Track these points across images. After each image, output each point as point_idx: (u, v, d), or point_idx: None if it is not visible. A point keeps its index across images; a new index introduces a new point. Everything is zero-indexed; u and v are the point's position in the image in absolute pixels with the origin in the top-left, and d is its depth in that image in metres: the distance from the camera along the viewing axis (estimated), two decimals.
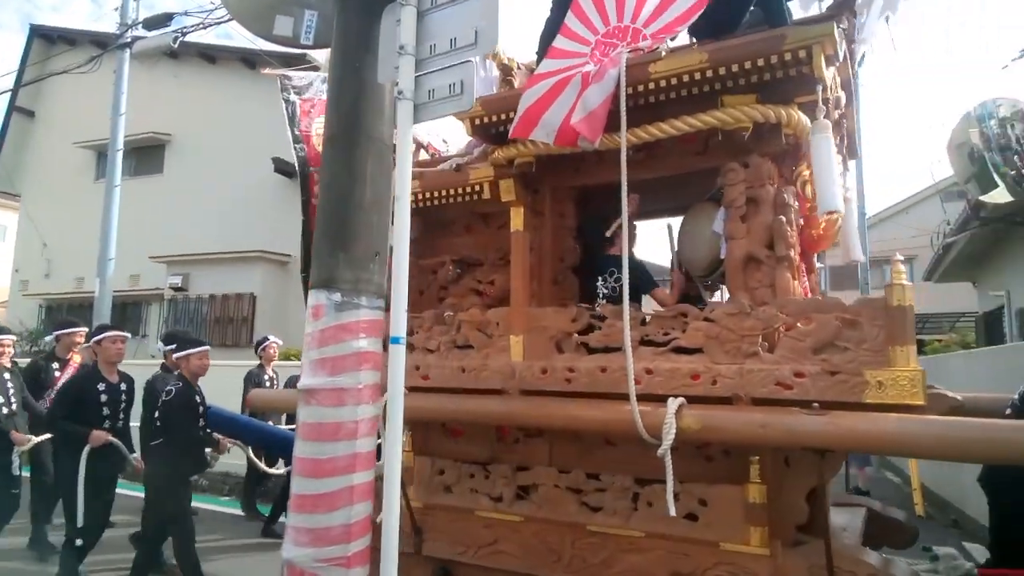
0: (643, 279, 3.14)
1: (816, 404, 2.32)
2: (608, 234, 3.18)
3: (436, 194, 3.45)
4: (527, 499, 3.23)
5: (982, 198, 5.87)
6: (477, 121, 3.20)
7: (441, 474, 3.48)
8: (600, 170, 3.20)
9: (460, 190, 3.37)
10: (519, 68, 3.80)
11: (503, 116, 3.13)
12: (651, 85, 2.76)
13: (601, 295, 3.21)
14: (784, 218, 2.72)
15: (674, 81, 2.74)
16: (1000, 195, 5.47)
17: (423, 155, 4.40)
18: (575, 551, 2.99)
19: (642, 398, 2.70)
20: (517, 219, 3.24)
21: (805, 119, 2.74)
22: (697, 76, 2.70)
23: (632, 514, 2.94)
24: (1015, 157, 5.59)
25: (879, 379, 2.33)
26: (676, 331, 2.77)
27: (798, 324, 2.51)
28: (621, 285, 3.04)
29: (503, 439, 3.42)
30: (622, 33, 2.92)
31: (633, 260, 3.11)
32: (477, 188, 3.31)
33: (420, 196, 3.49)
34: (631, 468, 2.98)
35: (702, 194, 3.30)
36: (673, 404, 2.49)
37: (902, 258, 2.38)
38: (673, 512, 2.44)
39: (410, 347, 3.46)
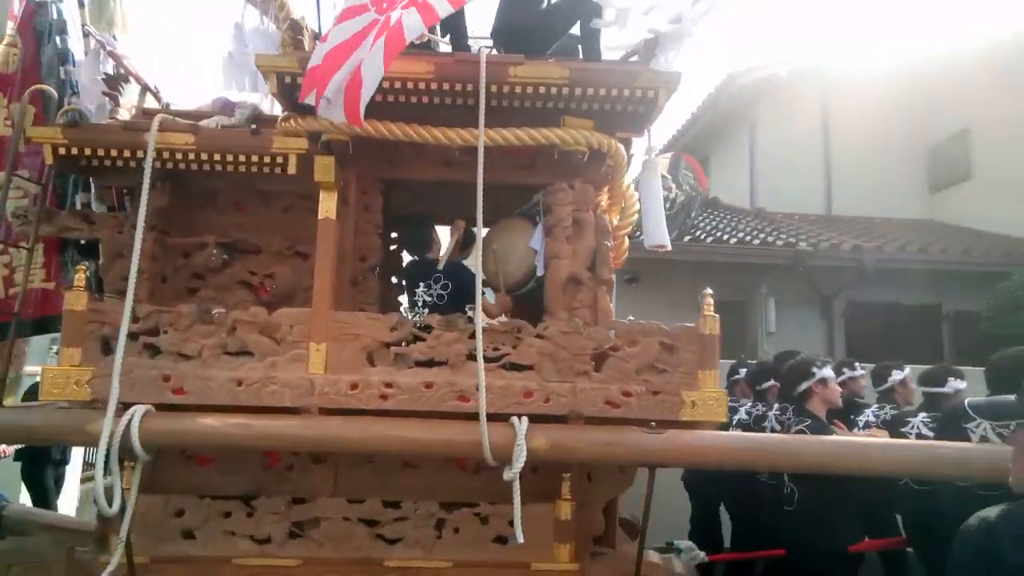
0: (472, 288, 3.16)
1: (654, 423, 2.65)
2: (454, 241, 3.10)
3: (212, 157, 2.90)
4: (305, 537, 2.90)
5: None
6: (287, 79, 2.82)
7: (179, 516, 2.88)
8: (418, 165, 3.10)
9: (252, 158, 2.89)
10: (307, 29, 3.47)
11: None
12: (505, 88, 2.84)
13: (422, 303, 3.10)
14: (609, 243, 3.06)
15: (529, 89, 2.85)
16: None
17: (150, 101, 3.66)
18: None
19: (473, 416, 2.71)
20: (328, 205, 2.89)
21: (624, 152, 3.14)
22: (553, 90, 2.86)
23: (436, 543, 2.89)
24: None
25: (692, 399, 2.76)
26: (507, 347, 2.86)
27: (625, 346, 2.85)
28: (449, 293, 3.03)
29: (271, 467, 3.01)
30: None
31: (466, 268, 3.10)
32: (279, 160, 2.89)
33: (187, 156, 2.89)
34: (435, 493, 2.93)
35: (506, 208, 3.48)
36: (521, 425, 2.56)
37: (710, 291, 2.90)
38: (520, 539, 2.49)
39: (152, 349, 2.84)
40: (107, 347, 2.81)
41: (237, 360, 2.81)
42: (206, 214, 3.13)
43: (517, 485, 2.51)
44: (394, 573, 2.81)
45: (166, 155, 2.85)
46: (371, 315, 2.87)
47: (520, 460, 2.49)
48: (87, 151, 2.85)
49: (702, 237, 8.85)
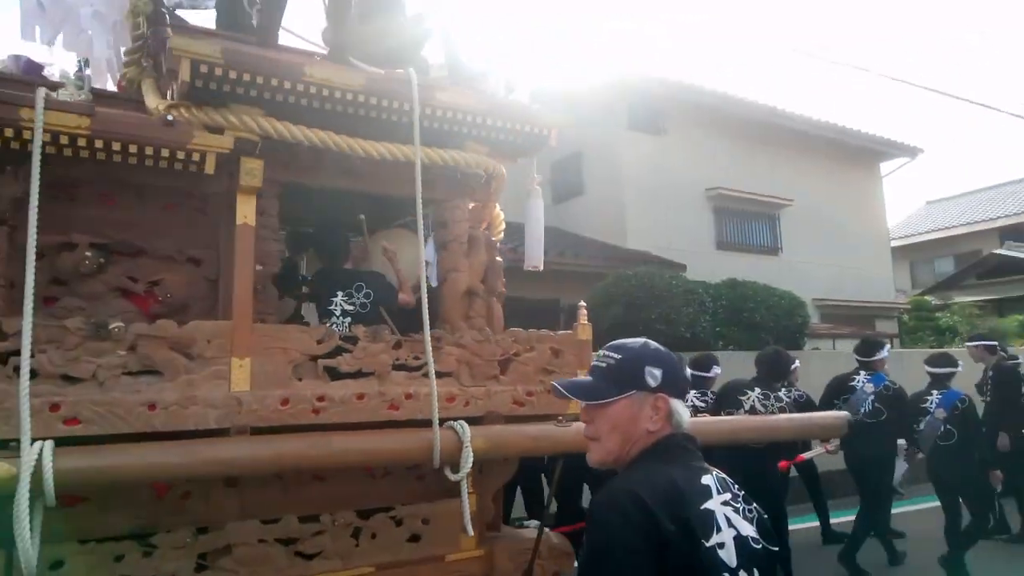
0: (391, 296, 3.28)
1: (561, 418, 3.25)
2: (388, 252, 3.17)
3: (109, 146, 2.58)
4: (214, 569, 2.80)
5: None
6: (203, 67, 2.70)
7: (57, 567, 2.54)
8: (319, 172, 3.19)
9: (161, 152, 2.65)
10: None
11: (243, 75, 2.78)
12: (427, 110, 3.13)
13: (340, 311, 3.14)
14: (499, 258, 3.55)
15: (449, 114, 3.20)
16: None
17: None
18: None
19: (404, 424, 2.99)
20: (248, 209, 2.82)
21: (505, 177, 3.67)
22: (469, 118, 3.25)
23: (354, 552, 3.06)
24: None
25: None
26: (425, 355, 3.15)
27: (524, 351, 3.39)
28: (372, 301, 3.23)
29: (161, 497, 2.81)
30: None
31: (384, 276, 3.25)
32: (194, 158, 2.71)
33: (75, 142, 2.53)
34: (349, 502, 3.10)
35: (391, 218, 3.72)
36: (465, 430, 2.92)
37: (584, 304, 3.60)
38: (471, 532, 2.85)
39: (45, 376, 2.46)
40: None
41: (139, 380, 2.64)
42: (65, 207, 2.77)
43: (464, 484, 2.91)
44: None
45: (46, 138, 2.52)
46: (298, 327, 2.93)
47: (468, 462, 2.89)
48: None
49: None
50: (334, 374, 2.96)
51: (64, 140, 2.53)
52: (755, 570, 1.36)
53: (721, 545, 1.33)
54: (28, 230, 2.38)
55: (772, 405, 4.72)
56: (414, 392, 3.05)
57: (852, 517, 5.80)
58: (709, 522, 1.35)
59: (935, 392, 5.45)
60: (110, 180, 2.86)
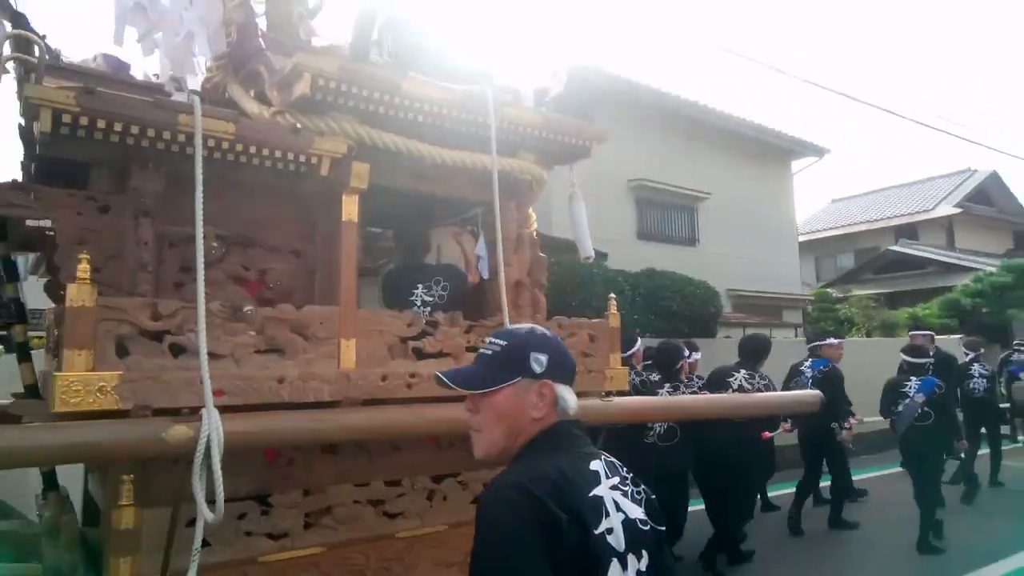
0: (465, 283, 3.75)
1: (604, 393, 3.85)
2: (480, 253, 3.64)
3: (248, 150, 2.97)
4: (319, 526, 3.25)
5: None
6: (322, 81, 3.11)
7: (191, 525, 2.93)
8: (394, 175, 3.61)
9: (288, 156, 3.06)
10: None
11: (353, 89, 3.22)
12: (502, 125, 3.64)
13: (420, 302, 3.60)
14: (542, 254, 4.12)
15: (511, 127, 3.72)
16: None
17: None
18: (380, 564, 3.35)
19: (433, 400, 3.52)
20: (352, 208, 3.27)
21: (545, 180, 4.22)
22: (527, 131, 3.79)
23: (428, 511, 3.56)
24: None
25: (610, 375, 4.08)
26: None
27: (567, 337, 3.96)
28: (448, 293, 3.73)
29: (271, 464, 3.23)
30: None
31: (459, 270, 3.73)
32: (313, 161, 3.13)
33: (221, 145, 2.91)
34: (424, 469, 3.60)
35: (438, 216, 4.20)
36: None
37: (614, 296, 4.21)
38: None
39: (176, 350, 2.86)
40: (122, 349, 2.77)
41: (268, 358, 3.07)
42: (189, 201, 3.14)
43: None
44: (402, 543, 3.44)
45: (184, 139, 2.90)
46: (392, 312, 3.41)
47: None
48: (100, 123, 2.71)
49: None
50: (419, 354, 3.47)
51: (211, 143, 2.92)
52: (643, 551, 1.40)
53: (610, 531, 1.36)
54: (195, 225, 2.77)
55: (757, 383, 5.53)
56: None
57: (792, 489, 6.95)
58: (598, 508, 1.37)
59: (914, 379, 6.40)
60: (219, 177, 3.25)
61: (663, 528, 1.51)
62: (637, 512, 1.45)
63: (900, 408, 6.27)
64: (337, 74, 3.15)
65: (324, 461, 3.33)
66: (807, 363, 6.96)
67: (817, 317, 21.34)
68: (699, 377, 5.88)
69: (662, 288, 11.80)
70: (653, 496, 1.54)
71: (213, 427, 2.62)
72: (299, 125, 3.11)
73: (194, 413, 2.72)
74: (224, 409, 2.86)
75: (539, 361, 1.54)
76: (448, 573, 3.52)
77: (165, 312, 2.82)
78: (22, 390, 3.28)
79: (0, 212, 2.78)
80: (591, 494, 1.39)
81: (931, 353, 6.77)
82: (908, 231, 27.34)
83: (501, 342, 1.61)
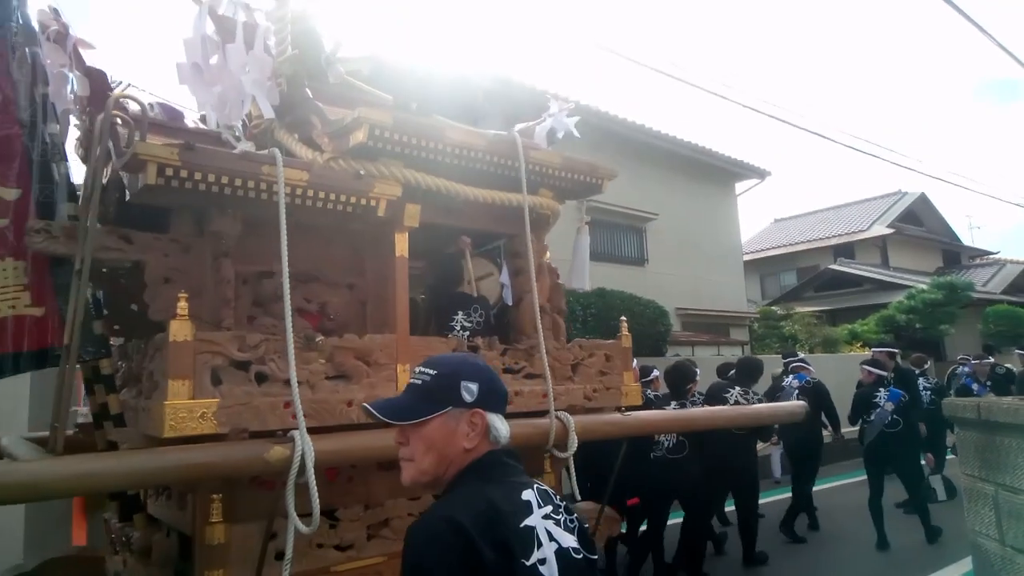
0: (495, 316, 4.15)
1: (622, 408, 4.29)
2: (504, 281, 4.02)
3: (317, 195, 3.34)
4: (379, 537, 3.59)
5: None
6: (378, 131, 3.51)
7: (274, 538, 3.24)
8: (429, 211, 4.02)
9: (351, 199, 3.44)
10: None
11: (403, 137, 3.62)
12: (528, 166, 4.09)
13: (460, 327, 3.98)
14: (561, 281, 4.56)
15: (536, 167, 4.17)
16: None
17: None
18: None
19: (512, 415, 3.91)
20: (403, 244, 3.66)
21: (560, 214, 4.67)
22: (548, 170, 4.25)
23: None
24: None
25: (626, 391, 4.53)
26: (524, 362, 4.10)
27: (587, 357, 4.40)
28: (484, 320, 4.13)
29: (333, 481, 3.55)
30: None
31: (487, 300, 4.13)
32: (372, 203, 3.51)
33: (295, 191, 3.27)
34: None
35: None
36: (571, 420, 3.89)
37: (625, 319, 4.68)
38: (579, 497, 3.82)
39: (263, 379, 3.19)
40: (215, 377, 3.09)
41: (337, 384, 3.42)
42: (258, 241, 3.48)
43: (571, 463, 3.90)
44: None
45: (262, 187, 3.25)
46: (440, 339, 3.80)
47: (574, 444, 3.88)
48: (196, 175, 3.05)
49: None
50: None
51: (287, 190, 3.29)
52: None
53: (543, 561, 1.37)
54: (281, 265, 3.12)
55: (752, 399, 6.08)
56: (519, 390, 4.01)
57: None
58: (530, 539, 1.38)
59: (882, 390, 7.07)
60: (264, 217, 3.60)
61: (595, 556, 1.52)
62: (570, 541, 1.45)
63: (872, 416, 6.91)
64: (391, 125, 3.56)
65: (380, 477, 3.68)
66: (789, 378, 7.59)
67: (762, 334, 22.27)
68: (700, 394, 6.40)
69: (612, 308, 12.08)
70: (585, 525, 1.55)
71: (307, 447, 2.97)
72: (362, 172, 3.49)
73: (278, 435, 3.07)
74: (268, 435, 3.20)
75: (470, 390, 1.53)
76: None
77: (251, 344, 3.16)
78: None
79: (99, 255, 3.08)
80: (522, 524, 1.39)
81: (892, 368, 7.53)
82: (845, 250, 28.75)
83: (431, 371, 1.57)
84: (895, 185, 34.69)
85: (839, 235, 29.73)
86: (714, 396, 6.22)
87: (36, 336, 3.09)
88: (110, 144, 3.10)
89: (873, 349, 9.47)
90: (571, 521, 1.51)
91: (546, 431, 3.82)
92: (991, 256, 30.91)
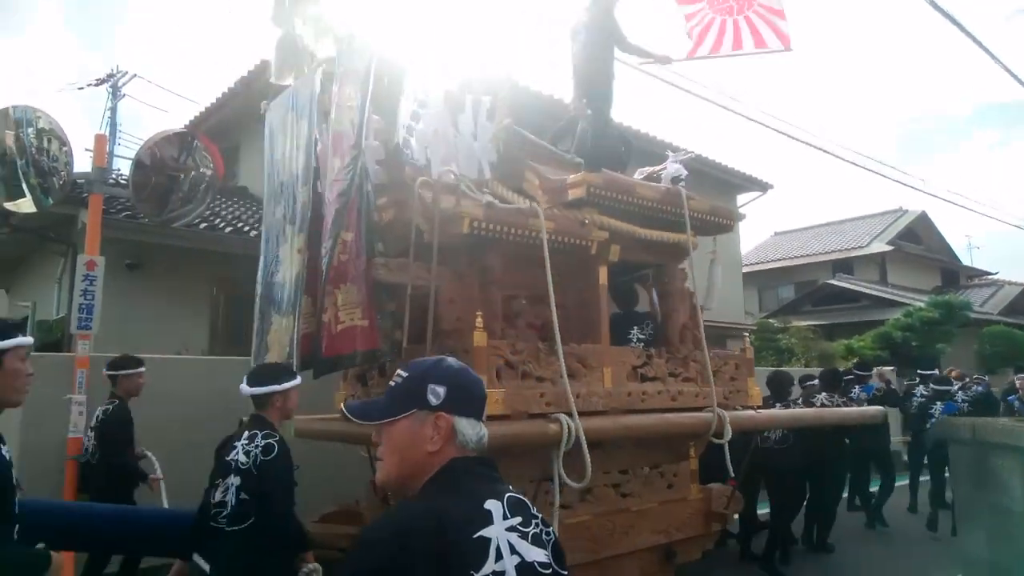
0: (658, 333, 5.47)
1: (753, 407, 5.62)
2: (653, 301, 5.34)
3: (555, 237, 4.61)
4: (586, 501, 4.86)
5: (8, 205, 6.35)
6: (593, 189, 4.82)
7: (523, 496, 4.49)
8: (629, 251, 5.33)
9: (577, 240, 4.73)
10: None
11: (608, 192, 4.93)
12: (678, 210, 5.41)
13: (636, 339, 5.28)
14: (697, 303, 5.89)
15: (690, 212, 5.49)
16: (27, 205, 6.14)
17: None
18: (616, 530, 4.97)
19: (674, 410, 5.22)
20: (604, 275, 4.97)
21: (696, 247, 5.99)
22: (696, 214, 5.57)
23: (644, 492, 5.22)
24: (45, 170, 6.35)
25: (750, 393, 5.86)
26: (681, 368, 5.40)
27: (721, 366, 5.72)
28: (652, 333, 5.44)
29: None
30: None
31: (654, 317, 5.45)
32: (587, 243, 4.80)
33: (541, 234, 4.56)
34: (638, 462, 5.26)
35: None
36: (726, 414, 5.19)
37: (747, 334, 5.99)
38: (733, 473, 5.15)
39: (525, 376, 4.46)
40: (497, 374, 4.35)
41: (563, 380, 4.69)
42: (508, 273, 4.76)
43: (727, 449, 5.19)
44: (633, 514, 5.07)
45: (532, 233, 4.54)
46: (628, 348, 5.10)
47: (729, 434, 5.18)
48: (490, 226, 4.33)
49: (220, 225, 9.70)
50: (642, 378, 5.17)
51: (536, 235, 4.56)
52: None
53: (500, 574, 1.35)
54: (548, 292, 4.39)
55: (836, 402, 7.47)
56: (680, 390, 5.31)
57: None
58: (484, 550, 1.36)
59: (938, 403, 8.61)
60: (513, 253, 4.87)
61: (566, 572, 1.49)
62: (537, 555, 1.42)
63: (928, 426, 8.35)
64: (602, 183, 4.86)
65: (592, 455, 4.97)
66: (856, 389, 9.11)
67: (759, 346, 23.45)
68: (794, 401, 7.72)
69: None
70: (556, 539, 1.53)
71: (577, 425, 4.25)
72: (587, 220, 4.79)
73: (539, 417, 4.34)
74: (541, 416, 4.47)
75: (436, 393, 1.54)
76: (657, 537, 5.19)
77: (520, 350, 4.44)
78: None
79: (415, 283, 4.33)
80: (475, 535, 1.37)
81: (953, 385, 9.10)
82: (844, 266, 30.15)
83: (404, 373, 1.61)
84: (895, 202, 36.23)
85: (838, 250, 31.10)
86: (805, 400, 7.58)
87: (365, 340, 4.32)
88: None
89: (949, 369, 10.77)
90: (546, 534, 1.48)
91: (708, 423, 5.12)
92: (989, 276, 32.06)
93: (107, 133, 19.86)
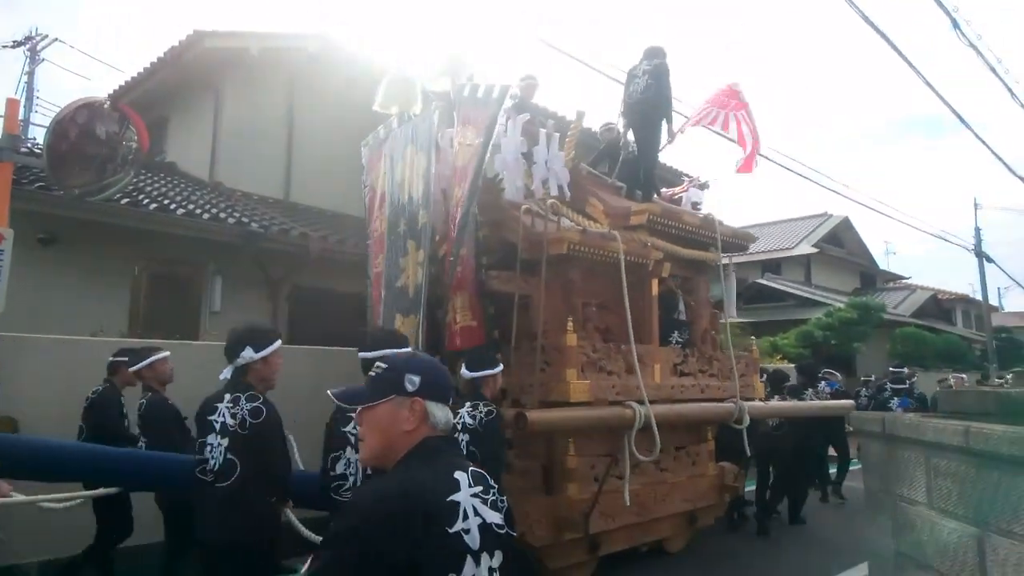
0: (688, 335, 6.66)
1: (761, 398, 6.88)
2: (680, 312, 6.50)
3: (626, 256, 5.72)
4: (634, 473, 6.00)
5: None
6: (652, 217, 5.96)
7: (592, 468, 5.63)
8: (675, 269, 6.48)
9: (641, 260, 5.85)
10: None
11: (660, 219, 6.08)
12: (710, 233, 6.61)
13: (675, 341, 6.44)
14: (716, 312, 7.11)
15: (723, 237, 6.70)
16: None
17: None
18: (657, 498, 6.15)
19: (704, 400, 6.44)
20: (656, 287, 6.11)
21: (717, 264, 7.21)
22: (723, 237, 6.78)
23: (678, 468, 6.42)
24: None
25: (756, 388, 7.13)
26: (706, 366, 6.61)
27: (736, 366, 6.96)
28: (688, 336, 6.65)
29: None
30: None
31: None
32: (645, 261, 5.92)
33: (615, 254, 5.66)
34: (670, 443, 6.44)
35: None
36: (743, 404, 6.42)
37: (754, 339, 7.25)
38: (748, 454, 6.39)
39: (600, 370, 5.58)
40: (582, 368, 5.46)
41: (629, 376, 5.83)
42: (582, 284, 5.85)
43: (744, 434, 6.44)
44: (669, 486, 6.25)
45: (611, 253, 5.65)
46: (671, 348, 6.28)
47: (747, 420, 6.41)
48: (581, 247, 5.42)
49: (144, 202, 9.11)
50: (680, 373, 6.37)
51: (613, 255, 5.69)
52: (496, 551, 1.68)
53: (467, 531, 1.63)
54: (623, 305, 5.53)
55: (821, 396, 8.89)
56: (708, 384, 6.54)
57: None
58: (455, 512, 1.64)
59: (896, 398, 10.06)
60: (598, 269, 5.97)
61: (515, 533, 1.78)
62: (494, 517, 1.71)
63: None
64: (660, 212, 6.03)
65: (639, 436, 6.14)
66: (822, 384, 10.49)
67: None
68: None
69: None
70: (509, 506, 1.80)
71: (648, 411, 5.41)
72: (648, 243, 5.94)
73: (612, 405, 5.48)
74: (616, 403, 5.62)
75: (412, 381, 1.80)
76: (685, 505, 6.42)
77: (598, 349, 5.57)
78: None
79: (510, 290, 5.39)
80: (448, 499, 1.64)
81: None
82: (774, 266, 32.04)
83: (383, 365, 1.87)
84: (821, 207, 38.48)
85: (768, 251, 33.05)
86: (794, 394, 8.95)
87: (475, 337, 5.37)
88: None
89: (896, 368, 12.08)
90: (501, 502, 1.76)
91: (731, 411, 6.37)
92: (903, 281, 33.83)
93: (22, 99, 18.89)
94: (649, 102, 6.60)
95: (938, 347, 23.30)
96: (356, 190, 12.41)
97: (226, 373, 3.57)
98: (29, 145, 10.11)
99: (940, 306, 31.48)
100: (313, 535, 4.25)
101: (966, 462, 3.11)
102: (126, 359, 5.13)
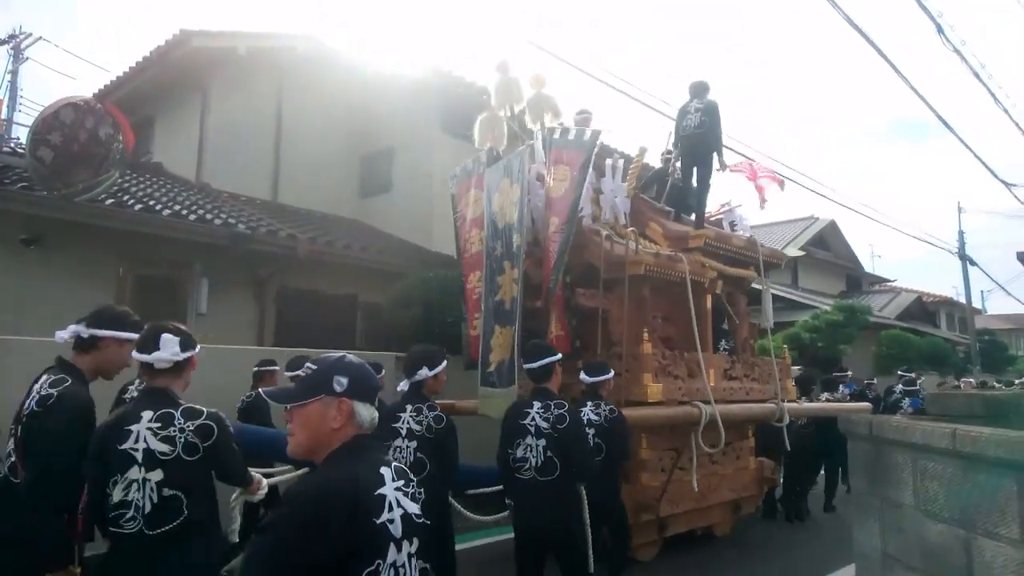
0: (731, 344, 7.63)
1: (802, 398, 7.88)
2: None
3: (687, 276, 6.68)
4: (699, 465, 6.97)
5: None
6: (707, 243, 6.95)
7: (660, 460, 6.59)
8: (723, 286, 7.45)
9: (699, 276, 6.81)
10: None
11: (712, 243, 7.07)
12: (748, 255, 7.60)
13: (723, 349, 7.41)
14: (753, 322, 8.10)
15: (753, 256, 7.69)
16: None
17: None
18: (710, 486, 7.12)
19: (746, 401, 7.43)
20: (709, 302, 7.08)
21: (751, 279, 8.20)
22: (766, 257, 7.77)
23: (725, 461, 7.39)
24: None
25: (789, 390, 8.12)
26: (748, 370, 7.60)
27: (768, 370, 7.96)
28: (732, 346, 7.65)
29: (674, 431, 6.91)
30: None
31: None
32: (703, 280, 6.89)
33: (683, 274, 6.62)
34: (727, 438, 7.42)
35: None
36: (783, 405, 7.40)
37: (786, 347, 8.25)
38: (788, 448, 7.39)
39: (671, 375, 6.54)
40: (655, 373, 6.42)
41: (692, 379, 6.79)
42: (653, 297, 6.82)
43: (784, 429, 7.42)
44: (720, 476, 7.20)
45: (677, 273, 6.61)
46: (722, 355, 7.26)
47: (787, 419, 7.40)
48: (653, 269, 6.39)
49: (130, 202, 9.16)
50: (728, 377, 7.36)
51: (680, 275, 6.66)
52: (415, 538, 1.85)
53: (391, 521, 1.80)
54: (693, 318, 6.52)
55: (839, 397, 9.90)
56: (750, 388, 7.54)
57: None
58: (381, 504, 1.80)
59: (907, 399, 11.15)
60: (655, 285, 6.95)
61: (431, 523, 1.96)
62: (413, 508, 1.88)
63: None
64: (715, 236, 7.03)
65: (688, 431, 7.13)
66: (842, 387, 11.46)
67: None
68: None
69: None
70: (428, 498, 1.98)
71: (714, 410, 6.39)
72: (705, 264, 6.93)
73: (680, 404, 6.45)
74: (684, 403, 6.60)
75: (340, 383, 1.94)
76: (732, 494, 7.40)
77: (668, 356, 6.55)
78: None
79: (594, 305, 6.34)
80: (375, 493, 1.80)
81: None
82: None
83: (313, 367, 2.00)
84: (808, 210, 39.54)
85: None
86: (829, 388, 9.96)
87: (561, 347, 6.29)
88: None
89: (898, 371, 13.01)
90: (419, 494, 1.93)
91: (773, 411, 7.37)
92: (888, 284, 35.05)
93: (5, 98, 19.16)
94: (703, 138, 7.55)
95: (923, 349, 23.88)
96: (345, 191, 14.78)
97: (403, 386, 4.54)
98: (12, 145, 10.49)
99: (925, 309, 32.41)
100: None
101: (953, 464, 3.16)
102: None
